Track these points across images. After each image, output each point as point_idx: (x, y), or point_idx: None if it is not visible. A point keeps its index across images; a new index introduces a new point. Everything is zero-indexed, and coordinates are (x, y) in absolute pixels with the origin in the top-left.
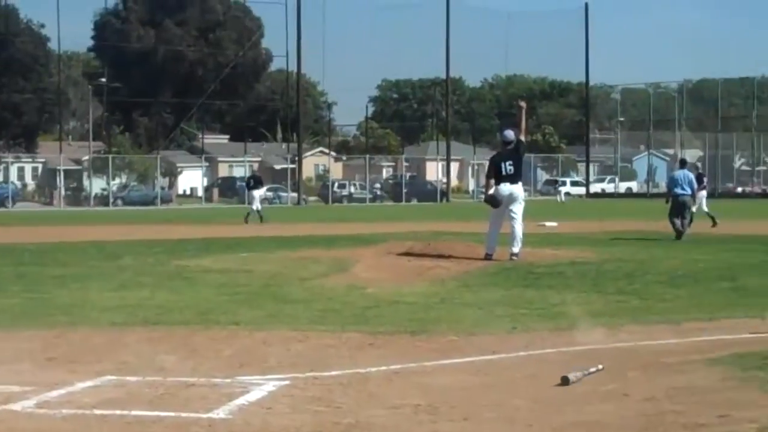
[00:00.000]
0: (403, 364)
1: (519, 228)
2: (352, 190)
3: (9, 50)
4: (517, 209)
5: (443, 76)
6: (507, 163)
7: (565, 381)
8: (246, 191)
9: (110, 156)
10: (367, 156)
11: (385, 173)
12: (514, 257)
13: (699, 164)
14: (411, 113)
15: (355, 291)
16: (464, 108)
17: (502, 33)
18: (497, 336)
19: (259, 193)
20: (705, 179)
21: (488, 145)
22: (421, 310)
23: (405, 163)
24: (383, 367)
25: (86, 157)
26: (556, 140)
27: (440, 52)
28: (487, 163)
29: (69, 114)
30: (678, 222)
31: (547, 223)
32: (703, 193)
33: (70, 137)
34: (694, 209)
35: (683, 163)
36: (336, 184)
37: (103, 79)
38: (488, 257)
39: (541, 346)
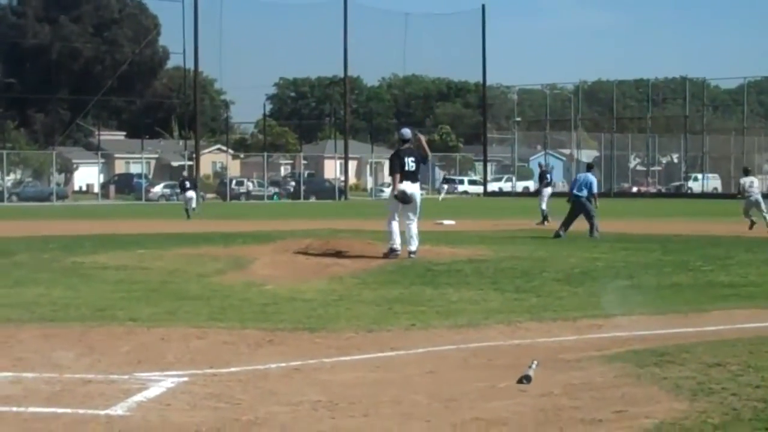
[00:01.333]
0: (302, 361)
1: (415, 227)
2: (250, 187)
3: None
4: (415, 209)
5: (341, 74)
6: (410, 159)
7: (527, 380)
8: (180, 192)
9: (5, 152)
10: (265, 153)
11: (284, 171)
12: (412, 255)
13: (542, 162)
14: (309, 111)
15: (253, 288)
16: (362, 107)
17: (400, 33)
18: (396, 333)
19: (192, 194)
20: (549, 176)
21: (385, 144)
22: (320, 307)
23: (303, 161)
24: (282, 364)
25: None
26: (454, 139)
27: (338, 51)
28: (386, 162)
29: None
30: (570, 222)
31: (445, 221)
32: (548, 190)
33: None
34: (543, 205)
35: (590, 167)
36: (234, 182)
37: None
38: (395, 252)
39: (439, 343)
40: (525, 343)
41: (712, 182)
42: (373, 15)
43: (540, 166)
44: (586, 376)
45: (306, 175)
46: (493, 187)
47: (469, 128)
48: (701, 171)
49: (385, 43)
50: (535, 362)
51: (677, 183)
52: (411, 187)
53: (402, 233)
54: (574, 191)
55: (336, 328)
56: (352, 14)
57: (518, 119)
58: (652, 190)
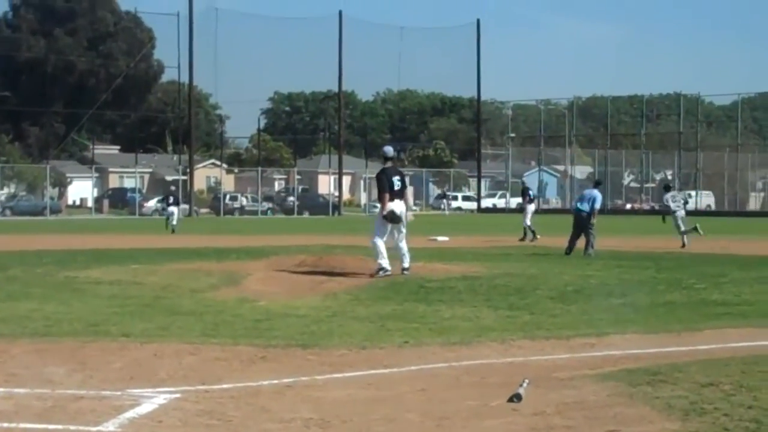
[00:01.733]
0: (294, 378)
1: (405, 243)
2: (244, 202)
3: None
4: (403, 226)
5: (336, 89)
6: (396, 179)
7: (518, 398)
8: (165, 207)
9: None
10: (260, 168)
11: (277, 186)
12: (406, 272)
13: (523, 180)
14: (303, 126)
15: (246, 304)
16: (356, 122)
17: (395, 47)
18: (389, 350)
19: (173, 209)
20: (531, 193)
21: (380, 159)
22: (313, 324)
23: (297, 176)
24: (275, 381)
25: None
26: (448, 155)
27: (333, 65)
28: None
29: None
30: (588, 236)
31: (439, 238)
32: (531, 207)
33: None
34: (527, 221)
35: (597, 184)
36: (228, 196)
37: None
38: (386, 272)
39: (432, 360)
40: (518, 361)
41: (706, 199)
42: (368, 29)
43: (522, 183)
44: (579, 395)
45: (300, 190)
46: (487, 203)
47: (463, 144)
48: (695, 188)
49: (379, 57)
50: (527, 381)
51: None
52: (399, 206)
53: (389, 250)
54: (577, 205)
55: (329, 345)
56: (347, 29)
57: (512, 135)
58: (646, 207)
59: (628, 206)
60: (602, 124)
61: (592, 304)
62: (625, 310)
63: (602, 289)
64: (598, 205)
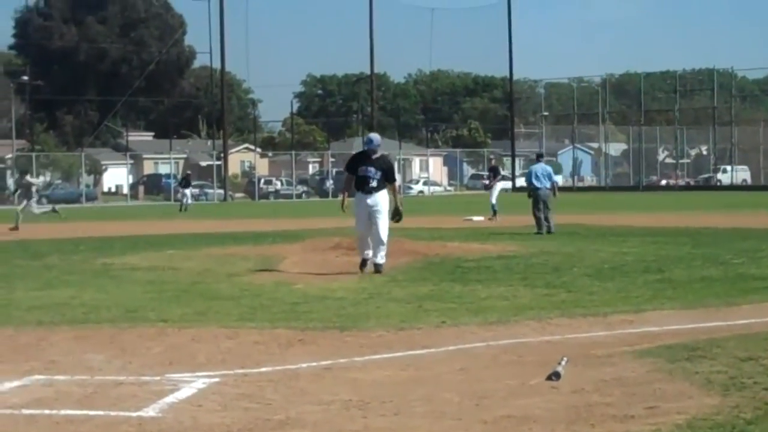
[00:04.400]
0: (333, 360)
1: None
2: (279, 186)
3: None
4: (380, 221)
5: (368, 71)
6: (366, 168)
7: (556, 376)
8: (179, 188)
9: (34, 154)
10: (293, 152)
11: (312, 169)
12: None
13: (492, 157)
14: (336, 109)
15: (283, 287)
16: (389, 104)
17: (426, 28)
18: (426, 331)
19: (188, 190)
20: (502, 171)
21: (413, 140)
22: (350, 306)
23: (331, 159)
24: (313, 363)
25: (9, 155)
26: (482, 135)
27: (365, 47)
28: (414, 159)
29: None
30: (541, 215)
31: (474, 218)
32: (500, 184)
33: None
34: (493, 200)
35: (540, 157)
36: (262, 181)
37: (26, 77)
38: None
39: (469, 340)
40: (556, 339)
41: (741, 174)
42: (399, 11)
43: (491, 160)
44: (617, 372)
45: (334, 173)
46: (521, 182)
47: (496, 123)
48: (730, 163)
49: (411, 38)
50: (565, 359)
51: (706, 175)
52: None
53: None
54: (536, 183)
55: (366, 327)
56: (378, 10)
57: (545, 113)
58: (681, 182)
59: (663, 182)
60: (636, 101)
61: (629, 280)
62: (662, 286)
63: (639, 265)
64: (557, 179)
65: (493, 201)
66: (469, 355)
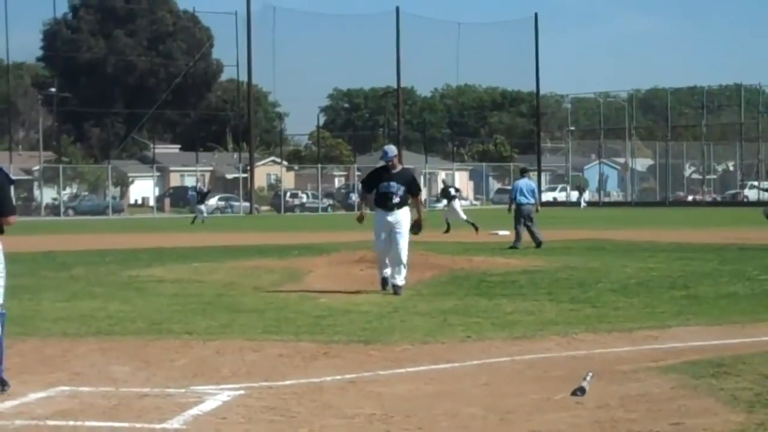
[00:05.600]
0: (357, 374)
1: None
2: (305, 199)
3: None
4: (401, 238)
5: (395, 85)
6: (389, 183)
7: (581, 391)
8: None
9: (61, 166)
10: (319, 165)
11: (338, 182)
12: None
13: (444, 179)
14: (363, 123)
15: (308, 300)
16: (416, 118)
17: (453, 43)
18: (451, 345)
19: (204, 206)
20: (453, 191)
21: (439, 155)
22: (375, 319)
23: (357, 173)
24: (338, 377)
25: (37, 167)
26: (508, 149)
27: (391, 61)
28: (439, 173)
29: (18, 124)
30: (521, 229)
31: (500, 232)
32: (458, 203)
33: (20, 147)
34: (463, 217)
35: (524, 172)
36: (288, 194)
37: (53, 89)
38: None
39: (494, 354)
40: (581, 354)
41: None
42: (426, 25)
43: (443, 182)
44: (643, 388)
45: (360, 186)
46: (547, 196)
47: (522, 138)
48: (757, 179)
49: (437, 53)
50: (590, 374)
51: (733, 191)
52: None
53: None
54: (521, 198)
55: (391, 341)
56: (405, 25)
57: (572, 128)
58: (708, 198)
59: (690, 198)
60: (662, 116)
61: (654, 296)
62: (687, 302)
63: (665, 281)
64: (538, 195)
65: (464, 217)
66: (494, 369)
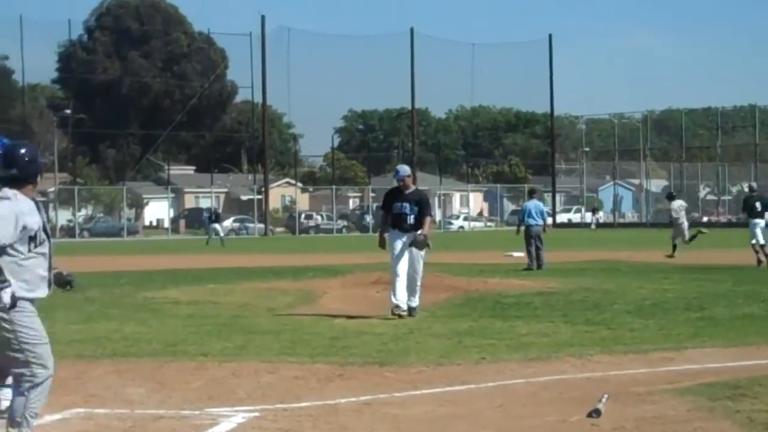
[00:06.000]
0: (372, 395)
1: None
2: (319, 220)
3: None
4: (417, 261)
5: (409, 106)
6: (401, 204)
7: (597, 413)
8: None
9: (76, 187)
10: (334, 187)
11: (352, 204)
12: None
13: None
14: (377, 144)
15: (323, 322)
16: (430, 139)
17: (467, 64)
18: (466, 366)
19: (219, 225)
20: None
21: (454, 176)
22: (390, 341)
23: (372, 194)
24: (353, 399)
25: (52, 189)
26: (522, 171)
27: (406, 82)
28: (454, 194)
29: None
30: (533, 251)
31: (514, 254)
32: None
33: None
34: None
35: (532, 194)
36: (303, 215)
37: (68, 111)
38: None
39: (509, 376)
40: (596, 376)
41: None
42: (440, 46)
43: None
44: (658, 410)
45: (375, 207)
46: (562, 218)
47: (537, 159)
48: None
49: (452, 74)
50: (606, 396)
51: None
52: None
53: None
54: (530, 220)
55: (406, 362)
56: (419, 46)
57: (586, 149)
58: (723, 219)
59: (705, 219)
60: (677, 137)
61: (670, 317)
62: (703, 324)
63: (680, 302)
64: (547, 217)
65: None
66: (509, 391)
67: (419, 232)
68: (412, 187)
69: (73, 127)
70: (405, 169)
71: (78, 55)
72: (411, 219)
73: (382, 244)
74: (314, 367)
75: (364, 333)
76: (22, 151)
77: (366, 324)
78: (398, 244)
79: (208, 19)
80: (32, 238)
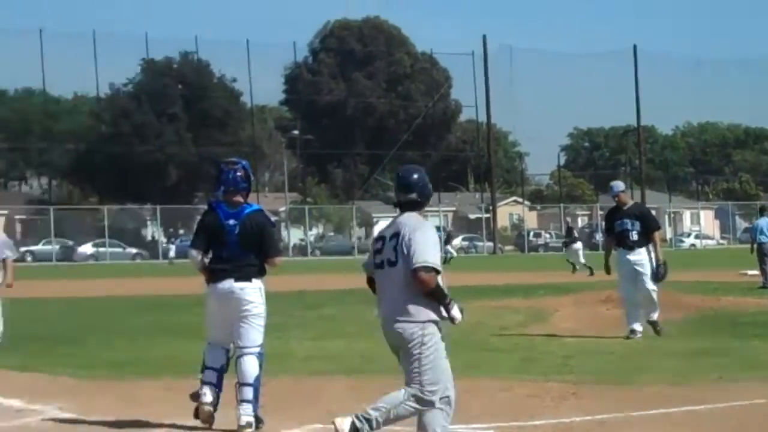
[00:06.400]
0: (607, 414)
1: (649, 293)
2: (548, 238)
3: (204, 104)
4: (645, 276)
5: (635, 123)
6: (623, 221)
7: None
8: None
9: (307, 207)
10: (561, 205)
11: (581, 222)
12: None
13: (569, 219)
14: (604, 162)
15: (555, 340)
16: (657, 156)
17: (692, 80)
18: (702, 386)
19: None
20: (576, 233)
21: (683, 194)
22: (623, 360)
23: (600, 212)
24: (588, 417)
25: (283, 208)
26: (753, 187)
27: (630, 99)
28: (684, 212)
29: (264, 166)
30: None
31: (749, 272)
32: (577, 245)
33: (266, 189)
34: (582, 260)
35: (763, 211)
36: (531, 233)
37: (296, 132)
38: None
39: (748, 397)
40: None
41: None
42: (663, 62)
43: (567, 222)
44: None
45: (603, 225)
46: None
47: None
48: None
49: (677, 89)
50: None
51: None
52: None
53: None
54: (760, 237)
55: (640, 381)
56: (643, 62)
57: None
58: None
59: None
60: None
61: None
62: None
63: None
64: None
65: (583, 260)
66: (748, 411)
67: (657, 264)
68: (630, 202)
69: (302, 147)
70: (618, 185)
71: (304, 77)
72: (634, 235)
73: (608, 269)
74: (547, 385)
75: (597, 352)
76: (415, 176)
77: (598, 342)
78: (625, 264)
79: (430, 40)
80: None
